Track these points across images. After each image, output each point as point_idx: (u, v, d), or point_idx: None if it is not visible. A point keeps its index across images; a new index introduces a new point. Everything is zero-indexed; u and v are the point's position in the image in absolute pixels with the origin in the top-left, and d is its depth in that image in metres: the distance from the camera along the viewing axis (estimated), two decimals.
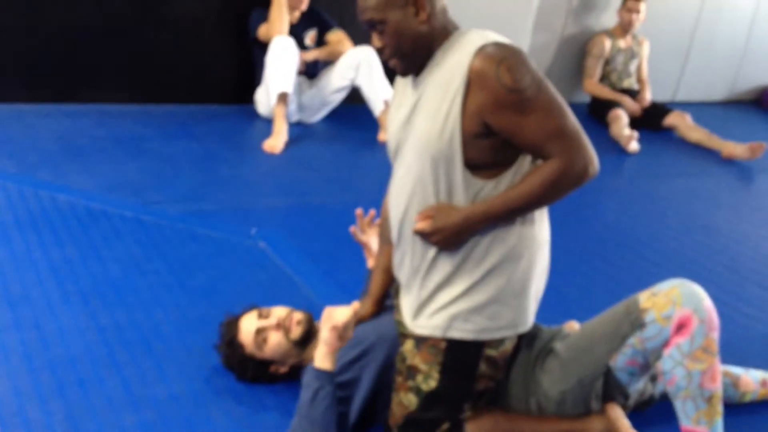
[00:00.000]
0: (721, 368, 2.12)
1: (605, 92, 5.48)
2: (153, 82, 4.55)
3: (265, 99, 4.50)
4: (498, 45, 1.73)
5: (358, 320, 2.14)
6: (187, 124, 4.36)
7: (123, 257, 2.83)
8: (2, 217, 2.98)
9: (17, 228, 2.92)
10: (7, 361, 2.19)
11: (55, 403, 2.05)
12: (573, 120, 1.78)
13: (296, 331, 2.16)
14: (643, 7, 5.48)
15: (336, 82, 4.55)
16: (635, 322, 1.90)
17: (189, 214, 3.25)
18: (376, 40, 1.80)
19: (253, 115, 4.62)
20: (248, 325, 2.19)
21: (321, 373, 1.97)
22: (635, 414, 2.17)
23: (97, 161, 3.66)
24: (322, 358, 1.99)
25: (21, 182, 3.30)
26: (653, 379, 2.18)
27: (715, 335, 1.86)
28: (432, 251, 1.89)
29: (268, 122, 4.42)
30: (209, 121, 4.45)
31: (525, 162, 1.84)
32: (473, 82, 1.73)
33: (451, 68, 1.76)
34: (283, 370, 2.22)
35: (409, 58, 1.81)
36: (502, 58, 1.71)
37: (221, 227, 3.17)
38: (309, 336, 2.17)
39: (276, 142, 4.13)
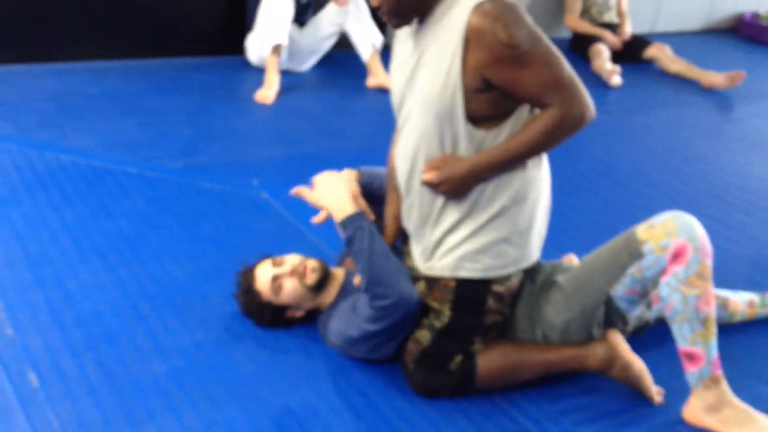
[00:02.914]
0: (714, 292, 2.26)
1: (586, 27, 5.53)
2: (138, 36, 4.55)
3: (256, 46, 4.51)
4: (494, 1, 1.80)
5: None
6: (176, 77, 4.39)
7: (132, 213, 2.91)
8: (10, 180, 3.04)
9: (26, 189, 2.98)
10: (36, 319, 2.28)
11: (87, 355, 2.15)
12: (569, 70, 1.87)
13: (312, 278, 2.26)
14: None
15: (325, 28, 4.56)
16: (634, 253, 2.01)
17: (189, 168, 3.32)
18: None
19: (241, 66, 4.65)
20: (264, 273, 2.28)
21: (356, 217, 2.11)
22: (633, 338, 2.30)
23: (92, 119, 3.70)
24: (347, 207, 2.13)
25: (22, 144, 3.35)
26: (648, 305, 2.31)
27: (709, 262, 1.98)
28: (440, 200, 2.00)
29: (258, 71, 4.46)
30: (197, 73, 4.49)
31: (524, 111, 1.93)
32: (471, 39, 1.81)
33: (450, 26, 1.84)
34: (299, 314, 2.33)
35: (406, 12, 1.89)
36: (497, 15, 1.79)
37: (222, 179, 3.25)
38: (324, 281, 2.28)
39: (268, 92, 4.18)
